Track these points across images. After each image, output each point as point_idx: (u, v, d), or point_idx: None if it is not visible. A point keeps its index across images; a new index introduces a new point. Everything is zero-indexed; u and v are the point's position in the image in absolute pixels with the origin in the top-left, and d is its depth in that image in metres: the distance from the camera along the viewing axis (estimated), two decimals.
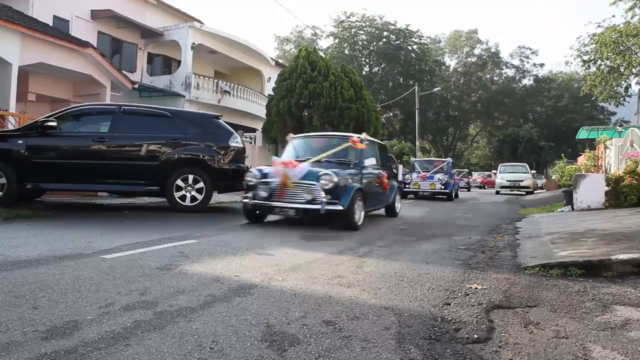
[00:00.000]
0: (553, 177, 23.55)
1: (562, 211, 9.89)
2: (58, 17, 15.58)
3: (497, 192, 23.02)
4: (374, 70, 49.24)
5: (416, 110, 33.26)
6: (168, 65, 21.08)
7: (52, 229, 5.51)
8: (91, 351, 1.96)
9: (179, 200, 7.71)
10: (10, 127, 9.40)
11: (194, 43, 18.78)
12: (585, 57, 17.75)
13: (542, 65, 55.56)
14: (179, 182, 7.71)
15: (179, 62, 19.52)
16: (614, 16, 18.53)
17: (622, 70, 16.87)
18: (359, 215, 6.62)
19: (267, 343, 2.13)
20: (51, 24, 14.03)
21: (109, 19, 17.30)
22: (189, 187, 7.74)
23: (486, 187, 34.10)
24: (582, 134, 23.42)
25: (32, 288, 2.87)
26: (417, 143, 33.10)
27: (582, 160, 17.05)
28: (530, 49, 54.41)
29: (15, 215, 6.38)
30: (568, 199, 10.16)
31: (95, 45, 13.94)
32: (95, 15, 16.98)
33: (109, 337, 2.11)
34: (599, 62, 17.34)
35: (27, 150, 7.09)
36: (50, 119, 7.35)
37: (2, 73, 10.90)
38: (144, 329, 2.23)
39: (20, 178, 7.01)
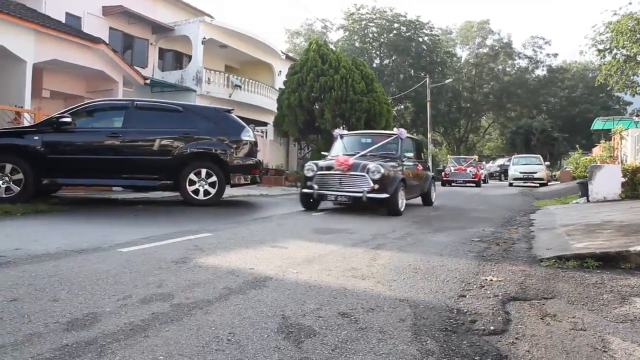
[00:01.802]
0: (567, 169, 23.26)
1: (577, 203, 9.77)
2: (70, 14, 15.71)
3: (510, 184, 22.81)
4: (384, 62, 48.89)
5: (427, 103, 32.99)
6: (179, 60, 21.15)
7: (69, 223, 5.59)
8: (111, 342, 1.99)
9: (192, 194, 7.76)
10: (26, 124, 9.52)
11: (204, 38, 18.82)
12: (601, 46, 17.39)
13: (555, 55, 55.04)
14: (192, 176, 7.76)
15: (190, 57, 19.58)
16: (630, 3, 18.06)
17: (638, 59, 16.53)
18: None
19: (283, 334, 2.14)
20: (64, 21, 14.14)
21: (120, 15, 17.40)
22: (201, 181, 7.79)
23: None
24: (597, 124, 23.08)
25: (51, 281, 2.92)
26: (429, 135, 32.86)
27: (597, 151, 16.81)
28: (543, 39, 53.60)
29: (33, 211, 6.48)
30: (583, 190, 10.04)
31: (107, 41, 14.04)
32: (107, 11, 17.09)
33: (127, 329, 2.15)
34: (614, 51, 16.98)
35: (43, 146, 7.18)
36: (65, 115, 7.43)
37: (17, 70, 11.04)
38: (161, 321, 2.26)
39: (37, 174, 7.11)
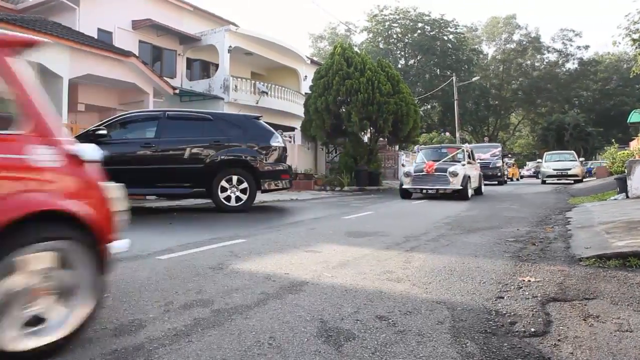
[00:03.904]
0: (603, 164, 22.53)
1: (615, 199, 9.46)
2: (102, 29, 16.24)
3: (543, 182, 22.25)
4: (409, 62, 48.59)
5: (455, 101, 32.56)
6: (206, 69, 21.56)
7: None
8: (157, 347, 2.06)
9: (224, 201, 7.90)
10: None
11: (230, 46, 19.12)
12: (635, 36, 16.79)
13: (586, 47, 53.47)
14: (224, 183, 7.90)
15: (217, 66, 19.92)
16: None
17: None
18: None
19: (322, 338, 2.17)
20: (96, 37, 14.64)
21: (148, 28, 17.88)
22: (233, 188, 7.93)
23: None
24: (634, 117, 22.28)
25: None
26: (457, 134, 32.39)
27: (635, 145, 16.23)
28: (573, 31, 52.29)
29: None
30: (621, 186, 9.72)
31: (137, 54, 14.45)
32: (136, 25, 17.59)
33: (171, 334, 2.22)
34: None
35: None
36: (100, 127, 7.70)
37: (54, 86, 11.49)
38: (203, 326, 2.33)
39: None
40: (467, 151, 12.96)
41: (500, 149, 21.62)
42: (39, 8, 15.54)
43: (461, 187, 10.99)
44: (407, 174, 11.90)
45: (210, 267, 3.66)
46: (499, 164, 19.94)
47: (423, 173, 11.54)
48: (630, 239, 4.34)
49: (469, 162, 12.38)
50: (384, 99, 16.78)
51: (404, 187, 11.86)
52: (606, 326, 2.33)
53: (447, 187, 11.07)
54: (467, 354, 2.00)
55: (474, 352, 2.02)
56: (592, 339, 2.17)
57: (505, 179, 22.03)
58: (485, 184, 18.92)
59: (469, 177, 11.47)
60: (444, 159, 12.26)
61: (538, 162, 34.69)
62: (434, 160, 11.92)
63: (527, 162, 45.13)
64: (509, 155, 25.68)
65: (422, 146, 14.24)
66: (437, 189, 11.24)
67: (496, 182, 19.31)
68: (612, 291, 2.94)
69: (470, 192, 11.50)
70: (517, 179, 27.40)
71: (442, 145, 14.71)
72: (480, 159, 18.69)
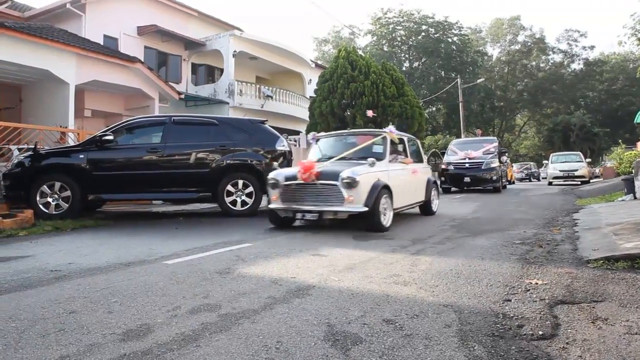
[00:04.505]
0: (609, 165, 22.38)
1: (623, 200, 9.40)
2: (108, 35, 16.39)
3: (550, 183, 22.13)
4: (414, 65, 48.56)
5: (460, 103, 32.51)
6: (211, 74, 21.67)
7: (115, 237, 5.82)
8: (165, 352, 2.07)
9: (230, 205, 7.92)
10: (71, 143, 9.97)
11: (235, 51, 19.22)
12: None
13: (592, 47, 52.96)
14: (229, 187, 7.92)
15: (222, 70, 20.02)
16: None
17: None
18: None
19: (330, 342, 2.17)
20: (102, 43, 14.76)
21: (154, 34, 18.00)
22: (239, 192, 7.95)
23: None
24: None
25: (104, 294, 3.06)
26: (463, 136, 32.32)
27: None
28: (578, 32, 52.00)
29: (81, 226, 6.78)
30: (629, 187, 9.65)
31: (143, 60, 14.54)
32: (141, 31, 17.72)
33: (179, 339, 2.23)
34: None
35: (88, 164, 7.50)
36: (107, 133, 7.75)
37: (61, 92, 11.59)
38: (211, 331, 2.33)
39: (83, 190, 7.43)
40: (396, 140, 7.25)
41: (496, 144, 16.36)
42: (46, 15, 15.71)
43: (365, 208, 5.76)
44: (273, 184, 6.30)
45: (217, 272, 3.67)
46: (495, 164, 15.13)
47: (296, 183, 6.12)
48: (638, 240, 4.31)
49: (400, 161, 7.27)
50: (388, 101, 16.80)
51: (271, 207, 6.40)
52: (615, 329, 2.32)
53: (339, 208, 5.83)
54: (475, 358, 2.00)
55: (481, 356, 2.02)
56: (601, 341, 2.16)
57: (505, 182, 18.08)
58: (475, 189, 15.45)
59: (387, 188, 6.21)
60: (350, 154, 6.87)
61: (526, 164, 33.84)
62: (328, 158, 6.86)
63: (512, 164, 40.92)
64: (507, 154, 20.29)
65: (321, 134, 8.24)
66: (320, 213, 5.93)
67: (491, 188, 15.13)
68: (620, 293, 2.92)
69: (387, 216, 6.17)
70: (512, 182, 25.43)
71: (352, 131, 8.73)
72: (470, 158, 15.35)
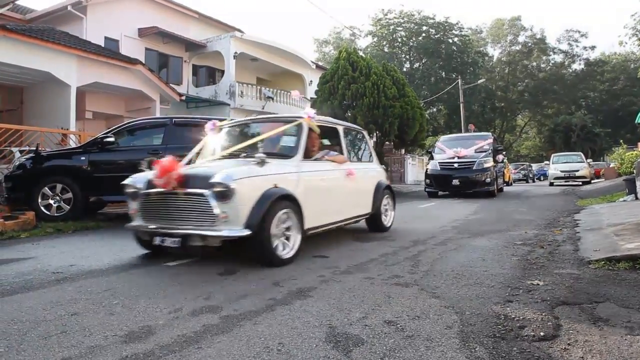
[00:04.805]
0: (611, 165, 22.36)
1: (624, 201, 9.39)
2: (109, 37, 16.41)
3: (551, 184, 22.11)
4: (415, 66, 48.53)
5: (460, 104, 32.48)
6: (212, 75, 21.69)
7: (115, 239, 5.82)
8: (167, 354, 2.08)
9: None
10: (72, 145, 9.98)
11: (236, 52, 19.24)
12: None
13: (593, 47, 52.85)
14: None
15: (223, 72, 20.03)
16: None
17: None
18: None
19: (331, 344, 2.17)
20: (103, 45, 14.78)
21: (155, 36, 18.02)
22: None
23: None
24: None
25: (106, 295, 3.06)
26: None
27: None
28: (579, 32, 51.88)
29: (82, 227, 6.79)
30: (630, 187, 9.64)
31: (144, 62, 14.56)
32: (142, 32, 17.75)
33: (181, 341, 2.23)
34: None
35: (90, 166, 7.50)
36: (108, 135, 7.75)
37: (62, 94, 11.62)
38: (212, 333, 2.34)
39: (85, 192, 7.44)
40: (316, 129, 5.01)
41: (490, 141, 14.36)
42: (47, 18, 15.74)
43: (246, 232, 3.69)
44: (132, 193, 4.31)
45: (218, 273, 3.67)
46: (488, 163, 13.08)
47: (156, 192, 4.05)
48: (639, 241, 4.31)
49: (329, 159, 5.19)
50: (389, 102, 16.78)
51: (127, 225, 4.40)
52: (616, 330, 2.31)
53: (209, 231, 3.72)
54: (476, 359, 2.00)
55: (482, 357, 2.02)
56: (603, 342, 2.16)
57: (502, 184, 16.11)
58: (465, 194, 13.33)
59: (288, 199, 4.15)
60: (240, 148, 4.94)
61: (522, 164, 33.65)
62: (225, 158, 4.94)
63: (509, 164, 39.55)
64: (503, 152, 17.80)
65: (225, 122, 5.88)
66: (183, 238, 3.79)
67: (484, 191, 13.08)
68: (622, 294, 2.92)
69: (292, 241, 4.17)
70: (510, 183, 24.21)
71: (259, 118, 6.28)
72: (459, 157, 13.37)
